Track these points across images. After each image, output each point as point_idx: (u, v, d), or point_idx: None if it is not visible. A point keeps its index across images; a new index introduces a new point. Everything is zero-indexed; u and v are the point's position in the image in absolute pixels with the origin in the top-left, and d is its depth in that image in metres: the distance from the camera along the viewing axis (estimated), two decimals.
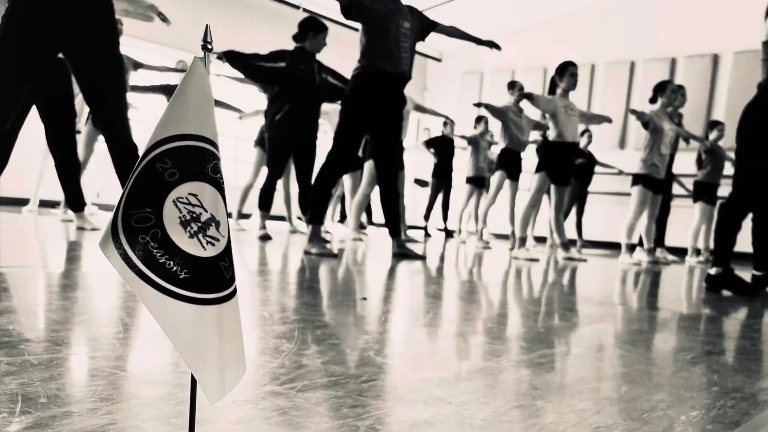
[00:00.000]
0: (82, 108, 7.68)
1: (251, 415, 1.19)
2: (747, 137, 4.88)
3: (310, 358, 1.69)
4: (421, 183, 14.23)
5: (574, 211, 11.94)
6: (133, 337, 1.83)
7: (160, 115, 0.80)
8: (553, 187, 7.92)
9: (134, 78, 8.42)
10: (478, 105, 8.85)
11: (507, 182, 9.43)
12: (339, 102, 7.23)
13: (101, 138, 6.20)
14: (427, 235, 12.73)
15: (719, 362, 2.15)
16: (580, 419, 1.34)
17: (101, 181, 10.45)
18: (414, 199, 14.80)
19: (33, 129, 6.26)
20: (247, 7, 13.18)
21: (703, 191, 9.74)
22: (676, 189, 10.39)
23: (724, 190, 6.29)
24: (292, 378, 1.48)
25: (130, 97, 7.85)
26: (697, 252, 10.14)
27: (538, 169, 7.78)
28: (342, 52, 9.07)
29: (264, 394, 1.33)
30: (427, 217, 13.05)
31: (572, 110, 7.71)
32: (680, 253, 11.08)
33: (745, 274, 5.16)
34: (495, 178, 9.42)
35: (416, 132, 15.77)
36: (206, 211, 0.80)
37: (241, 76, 7.36)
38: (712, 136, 9.44)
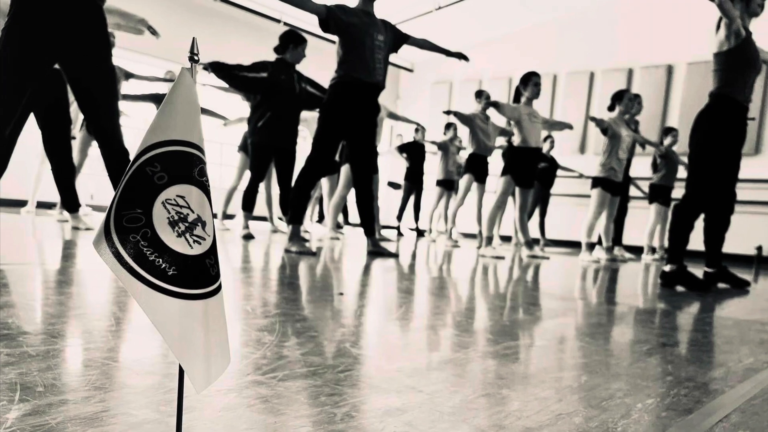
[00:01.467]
0: (76, 115, 7.63)
1: (235, 403, 1.19)
2: (699, 143, 4.93)
3: (291, 350, 1.69)
4: (394, 185, 14.21)
5: (537, 211, 12.02)
6: (124, 330, 1.83)
7: (149, 121, 0.80)
8: (517, 190, 7.94)
9: (126, 87, 8.36)
10: (448, 112, 8.87)
11: (474, 185, 9.46)
12: (317, 110, 7.25)
13: (95, 143, 6.17)
14: (400, 234, 12.71)
15: (673, 353, 2.16)
16: (543, 407, 1.35)
17: (95, 184, 10.40)
18: (387, 201, 14.81)
19: (31, 135, 6.25)
20: (231, 20, 13.12)
21: (658, 193, 9.79)
22: (632, 191, 10.43)
23: (678, 192, 6.33)
24: (273, 368, 1.48)
25: (122, 105, 7.84)
26: (653, 250, 10.19)
27: (503, 173, 7.79)
28: (320, 62, 9.08)
29: (247, 383, 1.34)
30: (399, 217, 13.04)
31: (536, 117, 7.74)
32: (637, 251, 11.16)
33: (698, 271, 5.21)
34: (463, 181, 9.44)
35: (389, 138, 15.75)
36: (193, 211, 0.80)
37: (226, 85, 7.33)
38: (667, 141, 9.48)
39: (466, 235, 13.80)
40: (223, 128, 9.91)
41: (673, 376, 1.76)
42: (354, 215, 13.31)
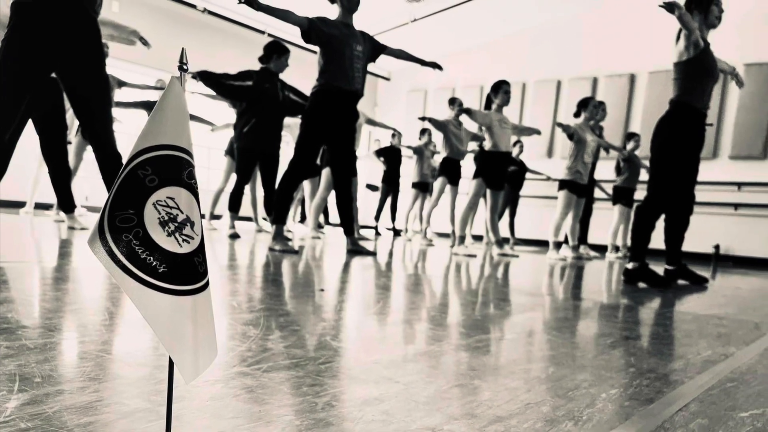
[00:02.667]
0: (72, 121, 7.63)
1: (222, 393, 1.20)
2: (660, 147, 4.96)
3: (274, 343, 1.69)
4: (372, 188, 14.20)
5: (507, 212, 12.06)
6: (117, 324, 1.82)
7: (141, 127, 0.81)
8: (488, 192, 7.95)
9: (119, 95, 8.32)
10: (423, 119, 8.86)
11: (448, 187, 9.48)
12: (299, 116, 7.25)
13: (89, 148, 6.15)
14: (378, 233, 12.70)
15: (635, 346, 2.18)
16: (513, 396, 1.36)
17: (89, 186, 10.38)
18: (366, 202, 14.79)
19: (29, 140, 6.23)
20: (219, 32, 13.06)
21: (622, 195, 9.85)
22: (597, 193, 10.49)
23: (640, 194, 6.38)
24: (258, 360, 1.48)
25: (115, 111, 7.81)
26: (616, 249, 10.24)
27: (475, 176, 7.80)
28: (302, 72, 9.07)
29: (233, 375, 1.34)
30: (377, 217, 13.02)
31: (506, 123, 7.75)
32: (601, 249, 11.21)
33: (659, 268, 5.25)
34: (437, 184, 9.47)
35: (368, 143, 15.75)
36: (182, 212, 0.81)
37: (213, 93, 7.32)
38: (630, 146, 9.54)
39: (440, 235, 13.84)
40: (210, 133, 9.87)
41: (635, 368, 1.77)
42: (334, 216, 13.30)
